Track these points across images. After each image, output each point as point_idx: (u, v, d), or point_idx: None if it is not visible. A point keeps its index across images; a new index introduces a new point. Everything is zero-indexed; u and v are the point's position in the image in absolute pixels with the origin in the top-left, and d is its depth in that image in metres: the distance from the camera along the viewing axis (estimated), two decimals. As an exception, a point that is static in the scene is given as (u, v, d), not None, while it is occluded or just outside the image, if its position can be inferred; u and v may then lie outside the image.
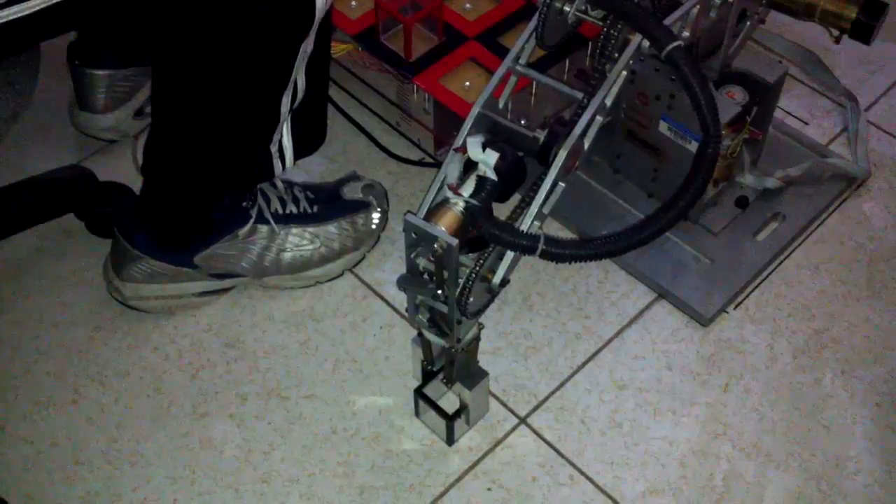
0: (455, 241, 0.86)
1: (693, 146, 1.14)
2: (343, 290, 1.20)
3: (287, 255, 1.16)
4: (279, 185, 1.18)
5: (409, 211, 0.93)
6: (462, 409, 1.06)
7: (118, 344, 1.15)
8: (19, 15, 0.80)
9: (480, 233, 0.88)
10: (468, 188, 0.89)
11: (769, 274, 1.21)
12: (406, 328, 1.16)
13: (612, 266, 1.22)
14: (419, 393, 1.05)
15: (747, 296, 1.19)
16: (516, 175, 0.91)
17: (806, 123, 1.37)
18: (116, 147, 1.32)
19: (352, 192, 1.21)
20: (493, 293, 0.93)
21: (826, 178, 1.28)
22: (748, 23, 1.10)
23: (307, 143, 1.11)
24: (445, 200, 0.89)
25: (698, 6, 0.99)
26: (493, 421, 1.09)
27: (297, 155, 1.09)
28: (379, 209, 1.21)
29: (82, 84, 1.28)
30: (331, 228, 1.18)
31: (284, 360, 1.14)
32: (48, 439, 1.08)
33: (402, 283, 0.93)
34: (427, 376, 1.06)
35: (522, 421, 1.09)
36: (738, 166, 1.23)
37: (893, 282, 1.21)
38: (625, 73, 0.94)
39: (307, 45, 0.96)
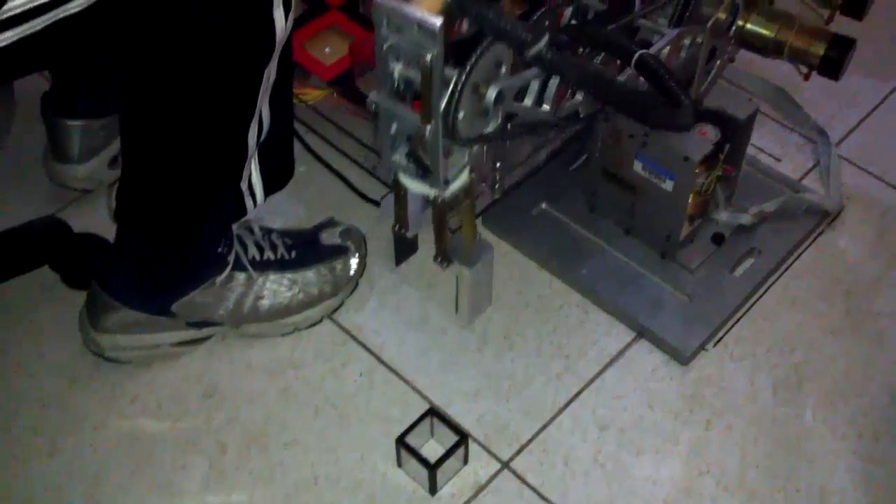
0: (439, 21, 0.70)
1: (668, 184, 1.15)
2: (322, 336, 1.19)
3: (265, 302, 1.16)
4: (256, 231, 1.17)
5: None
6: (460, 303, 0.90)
7: (95, 395, 1.14)
8: None
9: (471, 22, 0.72)
10: None
11: (747, 310, 1.22)
12: (386, 374, 1.16)
13: (592, 306, 1.22)
14: (401, 442, 1.04)
15: (726, 332, 1.20)
16: None
17: (778, 160, 1.38)
18: (91, 197, 1.31)
19: (330, 237, 1.21)
20: (488, 114, 0.77)
21: (800, 212, 1.29)
22: (718, 61, 1.11)
23: (276, 178, 1.11)
24: None
25: (669, 46, 1.00)
26: (476, 466, 1.08)
27: (267, 191, 1.09)
28: (357, 254, 1.20)
29: (57, 134, 1.28)
30: (309, 274, 1.17)
31: (264, 408, 1.13)
32: (25, 493, 1.06)
33: (374, 99, 0.78)
34: (401, 246, 0.89)
35: (505, 465, 1.08)
36: (713, 203, 1.24)
37: (870, 314, 1.22)
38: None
39: (270, 73, 0.96)
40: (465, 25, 0.76)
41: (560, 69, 0.74)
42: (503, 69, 0.76)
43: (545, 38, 0.72)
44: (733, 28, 1.10)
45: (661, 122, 0.83)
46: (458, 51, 0.74)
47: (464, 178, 0.81)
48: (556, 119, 0.86)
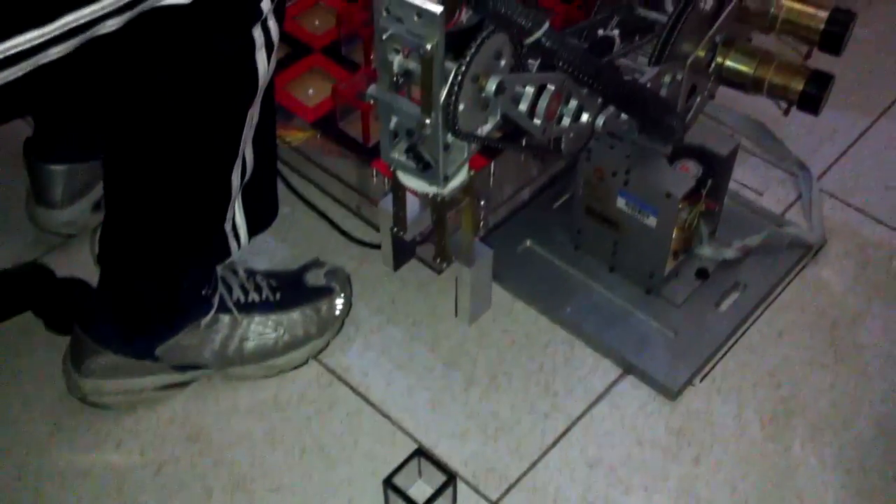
0: (439, 9, 0.69)
1: (651, 220, 1.15)
2: (308, 377, 1.18)
3: (250, 344, 1.15)
4: (241, 273, 1.17)
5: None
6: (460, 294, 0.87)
7: (79, 441, 1.13)
8: None
9: (471, 8, 0.72)
10: None
11: (733, 344, 1.22)
12: (373, 415, 1.15)
13: (578, 342, 1.21)
14: (388, 483, 1.04)
15: (713, 367, 1.20)
16: None
17: (760, 194, 1.39)
18: (75, 242, 1.30)
19: (314, 278, 1.21)
20: (487, 107, 0.76)
21: (783, 246, 1.30)
22: (698, 98, 1.12)
23: (260, 219, 1.11)
24: None
25: (649, 84, 1.01)
26: (464, 506, 1.07)
27: (251, 232, 1.09)
28: (342, 294, 1.20)
29: (39, 179, 1.27)
30: (294, 315, 1.17)
31: (250, 451, 1.12)
32: (7, 545, 1.05)
33: (372, 93, 0.77)
34: (399, 250, 0.88)
35: (494, 504, 1.08)
36: (697, 238, 1.24)
37: (855, 346, 1.22)
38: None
39: (253, 114, 0.96)
40: (463, 16, 0.77)
41: (559, 57, 0.75)
42: (503, 61, 0.76)
43: (546, 25, 0.73)
44: (712, 65, 1.11)
45: (657, 115, 0.82)
46: (456, 42, 0.74)
47: (463, 175, 0.80)
48: (543, 138, 0.86)
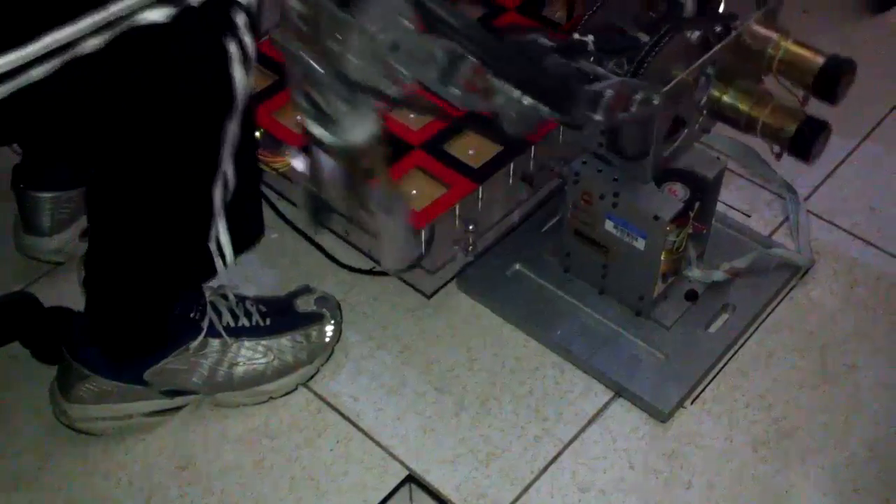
0: None
1: (640, 243, 1.16)
2: (297, 404, 1.18)
3: (239, 369, 1.15)
4: (231, 297, 1.17)
5: None
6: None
7: (67, 472, 1.12)
8: None
9: None
10: None
11: (724, 366, 1.22)
12: (363, 441, 1.14)
13: (568, 366, 1.21)
14: (379, 508, 1.03)
15: (704, 389, 1.19)
16: None
17: (748, 215, 1.39)
18: (63, 269, 1.30)
19: (305, 304, 1.20)
20: (383, 65, 0.75)
21: (772, 268, 1.30)
22: (686, 130, 1.12)
23: (244, 237, 1.10)
24: None
25: (613, 91, 0.97)
26: (456, 533, 1.07)
27: (237, 250, 1.08)
28: (332, 321, 1.20)
29: (27, 207, 1.27)
30: (284, 341, 1.17)
31: (239, 481, 1.11)
32: (-6, 577, 1.04)
33: (275, 37, 0.76)
34: (314, 208, 0.88)
35: (486, 530, 1.07)
36: (685, 260, 1.25)
37: (845, 367, 1.22)
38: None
39: (232, 130, 0.96)
40: None
41: (437, 15, 0.74)
42: (405, 21, 0.75)
43: None
44: (704, 99, 1.10)
45: (555, 93, 0.81)
46: None
47: (371, 125, 0.79)
48: (473, 110, 0.85)
